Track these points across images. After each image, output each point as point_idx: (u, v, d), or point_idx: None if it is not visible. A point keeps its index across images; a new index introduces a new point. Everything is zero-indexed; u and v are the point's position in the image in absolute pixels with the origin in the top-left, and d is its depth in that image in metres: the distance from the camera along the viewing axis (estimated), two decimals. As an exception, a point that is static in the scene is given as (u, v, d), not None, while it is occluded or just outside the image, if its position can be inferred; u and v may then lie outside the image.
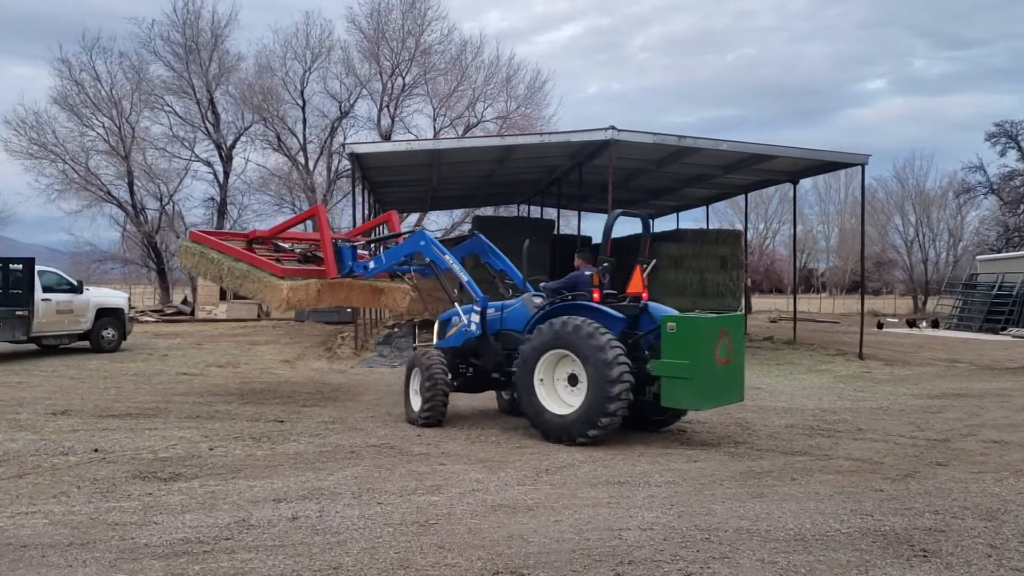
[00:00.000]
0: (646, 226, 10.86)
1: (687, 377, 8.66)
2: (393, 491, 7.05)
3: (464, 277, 10.71)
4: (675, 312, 9.41)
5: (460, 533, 5.90)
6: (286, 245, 12.98)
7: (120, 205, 43.08)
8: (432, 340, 11.50)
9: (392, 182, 26.58)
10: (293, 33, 44.81)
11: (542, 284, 10.37)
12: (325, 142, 44.53)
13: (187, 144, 44.28)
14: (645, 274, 9.80)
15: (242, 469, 7.85)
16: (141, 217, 43.60)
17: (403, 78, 43.62)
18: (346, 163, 41.33)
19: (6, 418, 10.46)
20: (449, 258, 10.78)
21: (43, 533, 5.80)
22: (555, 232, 28.16)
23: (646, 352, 9.25)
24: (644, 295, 9.71)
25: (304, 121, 44.34)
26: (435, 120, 44.34)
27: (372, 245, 12.92)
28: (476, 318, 10.42)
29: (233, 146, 44.61)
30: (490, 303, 10.58)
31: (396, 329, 26.37)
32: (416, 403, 10.21)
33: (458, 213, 44.36)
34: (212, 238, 12.55)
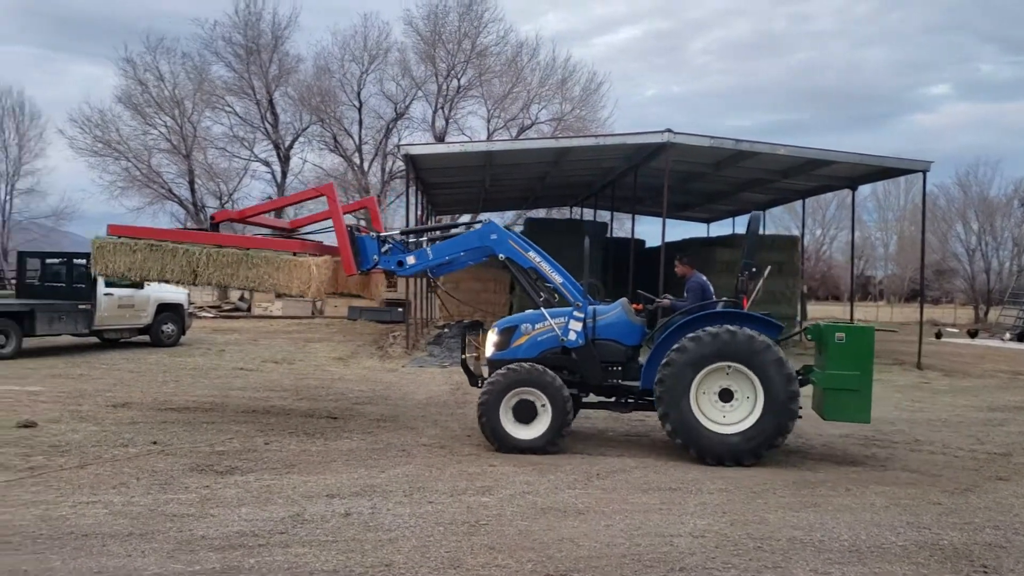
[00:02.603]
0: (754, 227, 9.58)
1: (856, 389, 8.41)
2: (444, 490, 7.10)
3: (558, 278, 9.43)
4: (772, 320, 8.87)
5: (510, 535, 5.91)
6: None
7: (181, 203, 44.00)
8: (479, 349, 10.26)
9: (445, 183, 26.73)
10: (351, 35, 45.31)
11: (667, 299, 9.62)
12: (380, 143, 44.92)
13: (247, 144, 45.05)
14: (761, 280, 9.38)
15: (296, 464, 7.96)
16: (201, 215, 44.48)
17: (458, 80, 43.80)
18: (400, 164, 41.66)
19: (69, 409, 10.75)
20: (534, 254, 9.50)
21: (104, 523, 5.95)
22: (608, 235, 28.03)
23: None
24: (744, 302, 9.07)
25: (360, 122, 44.79)
26: (489, 122, 44.45)
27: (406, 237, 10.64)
28: (577, 326, 9.16)
29: (291, 146, 45.26)
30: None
31: (446, 329, 26.51)
32: (522, 430, 8.78)
33: (510, 215, 44.39)
34: (145, 229, 10.69)
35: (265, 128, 44.49)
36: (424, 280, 26.87)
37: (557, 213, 40.75)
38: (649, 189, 25.10)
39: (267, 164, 45.60)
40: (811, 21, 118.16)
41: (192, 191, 43.39)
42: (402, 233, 10.21)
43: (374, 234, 9.91)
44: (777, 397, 8.27)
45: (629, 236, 28.50)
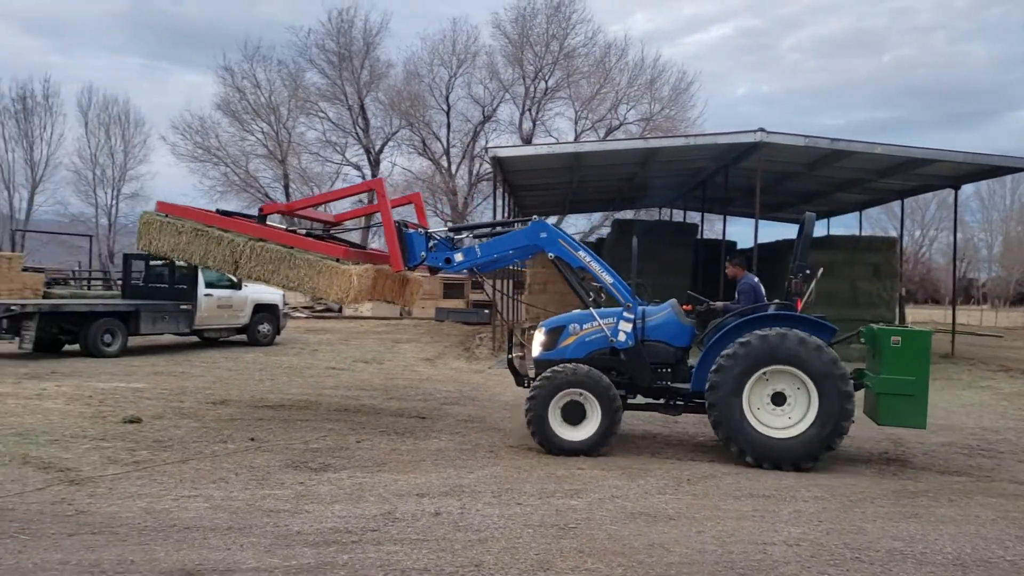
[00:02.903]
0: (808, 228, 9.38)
1: (912, 394, 8.29)
2: (532, 492, 7.10)
3: (608, 278, 9.23)
4: (826, 322, 8.71)
5: (600, 539, 5.87)
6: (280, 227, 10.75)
7: (448, 225, 45.28)
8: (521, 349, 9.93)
9: (533, 185, 26.79)
10: (440, 40, 45.95)
11: (722, 304, 9.46)
12: (468, 146, 45.40)
13: (339, 149, 46.16)
14: (815, 281, 9.16)
15: (387, 463, 8.09)
16: (295, 219, 45.66)
17: (546, 81, 43.93)
18: (487, 166, 41.99)
19: (171, 406, 11.16)
20: (584, 254, 9.29)
21: (204, 516, 6.15)
22: (698, 236, 27.62)
23: None
24: (798, 304, 8.94)
25: (448, 126, 45.36)
26: (576, 123, 44.45)
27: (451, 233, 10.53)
28: (627, 327, 9.03)
29: (381, 150, 46.16)
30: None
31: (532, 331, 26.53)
32: (571, 432, 8.67)
33: (597, 216, 44.29)
34: (198, 210, 10.34)
35: (356, 133, 45.48)
36: (510, 282, 27.00)
37: (646, 215, 40.41)
38: (740, 189, 24.65)
39: (358, 168, 46.58)
40: (911, 16, 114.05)
41: (287, 195, 44.61)
42: (450, 230, 10.12)
43: (422, 230, 9.81)
44: (831, 400, 8.13)
45: (720, 238, 28.04)
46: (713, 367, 8.44)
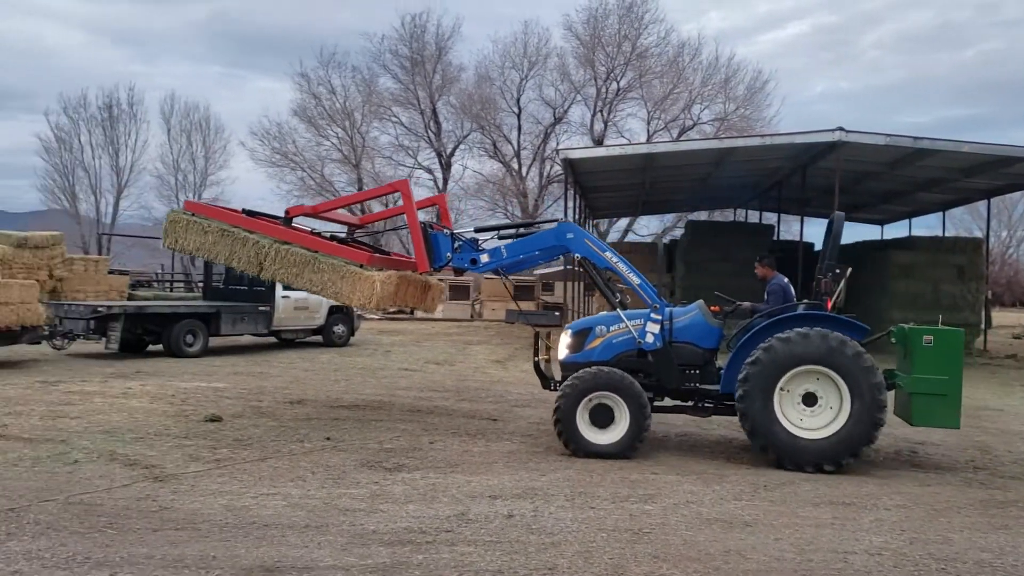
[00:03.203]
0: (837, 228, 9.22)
1: (945, 394, 8.18)
2: (605, 496, 7.05)
3: (635, 279, 9.12)
4: (857, 322, 8.60)
5: (675, 544, 5.80)
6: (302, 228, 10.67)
7: (350, 210, 46.00)
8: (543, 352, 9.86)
9: (604, 187, 26.65)
10: (512, 42, 46.12)
11: (749, 305, 9.33)
12: (538, 148, 45.45)
13: (411, 152, 46.69)
14: (844, 281, 8.94)
15: (459, 464, 8.13)
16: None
17: (618, 82, 43.70)
18: (558, 168, 41.93)
19: (250, 405, 11.42)
20: (611, 255, 9.19)
21: (282, 514, 6.27)
22: (774, 238, 27.11)
23: None
24: (828, 304, 8.77)
25: (519, 128, 45.48)
26: (649, 124, 44.12)
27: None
28: (655, 328, 8.95)
29: (452, 154, 46.52)
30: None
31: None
32: (599, 435, 8.61)
33: (670, 218, 43.86)
34: (225, 210, 10.48)
35: (428, 136, 45.92)
36: (582, 284, 26.90)
37: (720, 216, 39.87)
38: (818, 190, 24.11)
39: (429, 171, 47.05)
40: (997, 9, 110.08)
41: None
42: (475, 231, 10.06)
43: (447, 231, 9.73)
44: (863, 401, 8.03)
45: (796, 239, 27.46)
46: (742, 372, 8.34)
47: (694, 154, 22.12)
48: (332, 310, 21.32)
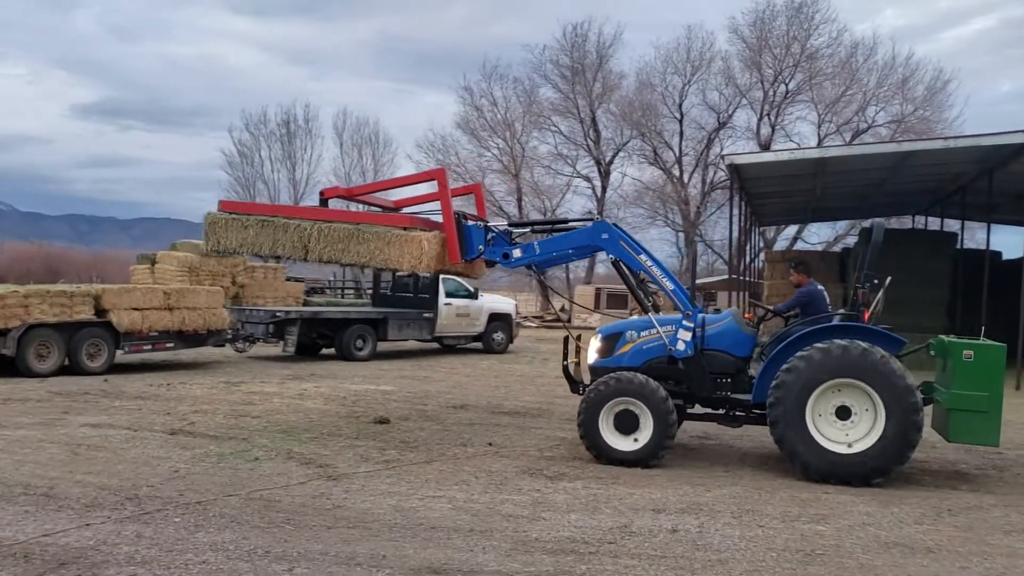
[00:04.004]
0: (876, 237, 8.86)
1: (985, 411, 7.95)
2: (774, 515, 6.77)
3: (669, 284, 8.90)
4: (893, 334, 8.36)
5: (851, 567, 5.49)
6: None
7: (509, 220, 46.68)
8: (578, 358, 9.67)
9: (771, 193, 25.77)
10: (674, 48, 45.33)
11: (752, 301, 9.05)
12: (701, 154, 44.51)
13: (569, 161, 46.80)
14: (883, 291, 8.56)
15: (621, 476, 8.03)
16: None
17: (786, 85, 42.19)
18: (722, 174, 40.92)
19: (416, 408, 11.75)
20: (645, 258, 8.96)
21: (447, 517, 6.38)
22: (958, 246, 25.39)
23: None
24: (864, 316, 8.45)
25: (681, 134, 44.69)
26: (819, 127, 42.31)
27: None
28: (687, 335, 8.72)
29: (611, 161, 46.28)
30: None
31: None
32: (623, 442, 8.47)
33: (842, 225, 41.88)
34: (255, 204, 10.27)
35: (587, 145, 45.90)
36: (746, 293, 26.11)
37: (897, 223, 37.77)
38: (1007, 195, 22.37)
39: (588, 180, 47.01)
40: None
41: (519, 208, 45.85)
42: (510, 225, 9.90)
43: (481, 223, 9.61)
44: (898, 413, 7.82)
45: (982, 248, 25.60)
46: (775, 381, 8.13)
47: (869, 158, 21.02)
48: (492, 318, 21.67)
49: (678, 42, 45.70)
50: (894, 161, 20.48)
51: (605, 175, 46.29)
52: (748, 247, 28.51)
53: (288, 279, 27.31)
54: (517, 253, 9.49)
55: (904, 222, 35.87)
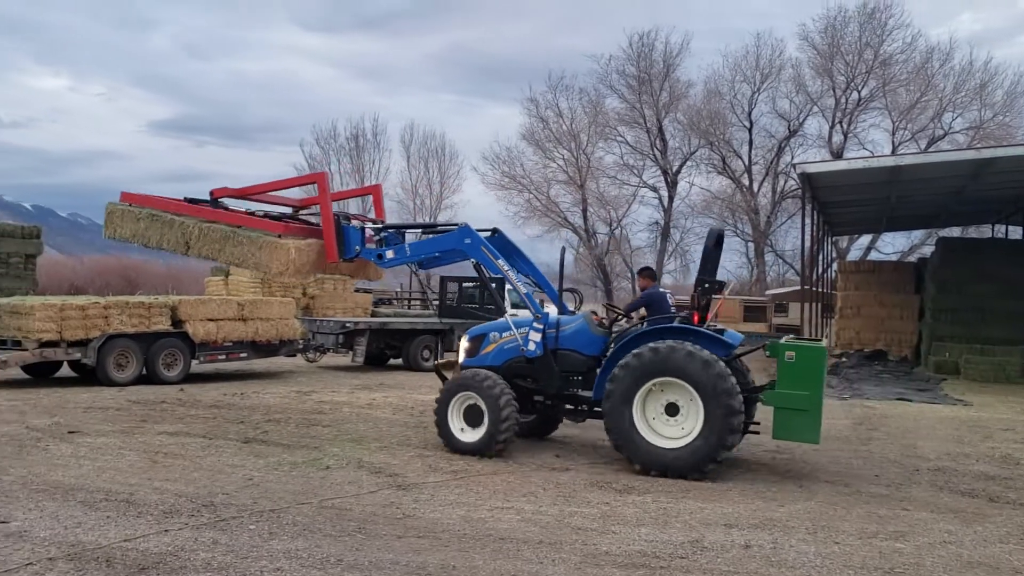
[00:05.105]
0: (719, 242, 9.42)
1: (805, 409, 8.30)
2: (851, 531, 6.60)
3: (522, 288, 9.51)
4: (741, 337, 9.08)
5: (933, 589, 5.30)
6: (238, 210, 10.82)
7: (575, 230, 46.63)
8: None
9: (844, 202, 25.26)
10: (743, 56, 44.94)
11: (606, 303, 9.41)
12: (771, 163, 43.91)
13: (636, 171, 46.61)
14: (725, 294, 8.80)
15: (691, 490, 7.91)
16: (592, 241, 46.74)
17: (859, 92, 41.40)
18: (792, 183, 40.28)
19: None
20: (503, 263, 9.43)
21: (516, 528, 6.37)
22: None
23: None
24: (695, 318, 8.96)
25: (750, 142, 44.19)
26: (894, 134, 41.39)
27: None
28: (536, 336, 9.25)
29: (678, 171, 45.95)
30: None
31: (844, 359, 24.93)
32: (468, 433, 9.11)
33: (918, 234, 40.83)
34: (155, 198, 10.67)
35: (654, 155, 45.65)
36: (818, 305, 25.59)
37: (975, 232, 36.61)
38: (1095, 202, 21.55)
39: (654, 189, 46.74)
40: None
41: (584, 218, 45.80)
42: (385, 227, 10.20)
43: (358, 225, 10.03)
44: (716, 412, 8.18)
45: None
46: (609, 376, 8.65)
47: (947, 166, 20.47)
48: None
49: (747, 50, 45.35)
50: (972, 168, 19.91)
51: (672, 185, 45.94)
52: (820, 257, 27.96)
53: (357, 290, 27.70)
54: (390, 254, 10.01)
55: (983, 231, 34.80)
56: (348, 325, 18.55)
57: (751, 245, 46.17)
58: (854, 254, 41.76)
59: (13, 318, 14.05)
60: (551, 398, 9.56)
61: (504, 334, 9.60)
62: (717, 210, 46.08)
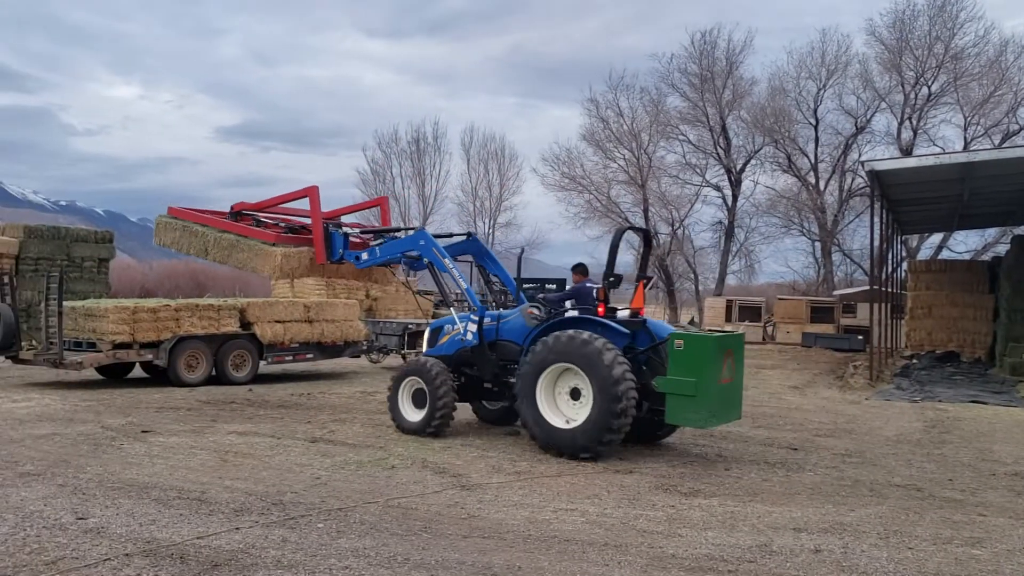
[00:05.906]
0: (648, 242, 11.88)
1: (693, 395, 8.62)
2: (925, 537, 6.44)
3: (463, 284, 10.70)
4: (675, 330, 9.45)
5: (1013, 598, 5.14)
6: (270, 220, 12.85)
7: (635, 230, 46.24)
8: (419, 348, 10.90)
9: (914, 200, 24.60)
10: (808, 52, 43.98)
11: (540, 296, 10.31)
12: (838, 160, 42.94)
13: (698, 171, 45.98)
14: (647, 289, 9.10)
15: (759, 493, 7.80)
16: (654, 241, 46.30)
17: (928, 87, 40.23)
18: (860, 181, 39.37)
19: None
20: (449, 262, 10.67)
21: (581, 530, 6.36)
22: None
23: (643, 368, 9.26)
24: (642, 311, 9.74)
25: (816, 140, 43.26)
26: (966, 130, 40.11)
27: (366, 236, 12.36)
28: (473, 327, 10.27)
29: (742, 170, 45.19)
30: (487, 312, 10.53)
31: (915, 360, 24.31)
32: (414, 414, 10.18)
33: (992, 232, 39.53)
34: (193, 211, 12.60)
35: (717, 153, 45.02)
36: (888, 305, 24.98)
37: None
38: None
39: (718, 188, 46.08)
40: None
41: (646, 219, 45.38)
42: (361, 232, 12.22)
43: (343, 231, 11.60)
44: (603, 396, 8.66)
45: None
46: (520, 360, 9.52)
47: (1022, 162, 19.80)
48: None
49: (812, 46, 44.50)
50: (1051, 164, 19.20)
51: (736, 184, 45.24)
52: (890, 256, 27.28)
53: (418, 292, 27.95)
54: (364, 256, 11.39)
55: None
56: (410, 326, 18.72)
57: (818, 244, 45.22)
58: (924, 253, 40.60)
59: (88, 320, 14.52)
60: (491, 383, 10.37)
61: (455, 327, 10.59)
62: (783, 209, 45.20)
